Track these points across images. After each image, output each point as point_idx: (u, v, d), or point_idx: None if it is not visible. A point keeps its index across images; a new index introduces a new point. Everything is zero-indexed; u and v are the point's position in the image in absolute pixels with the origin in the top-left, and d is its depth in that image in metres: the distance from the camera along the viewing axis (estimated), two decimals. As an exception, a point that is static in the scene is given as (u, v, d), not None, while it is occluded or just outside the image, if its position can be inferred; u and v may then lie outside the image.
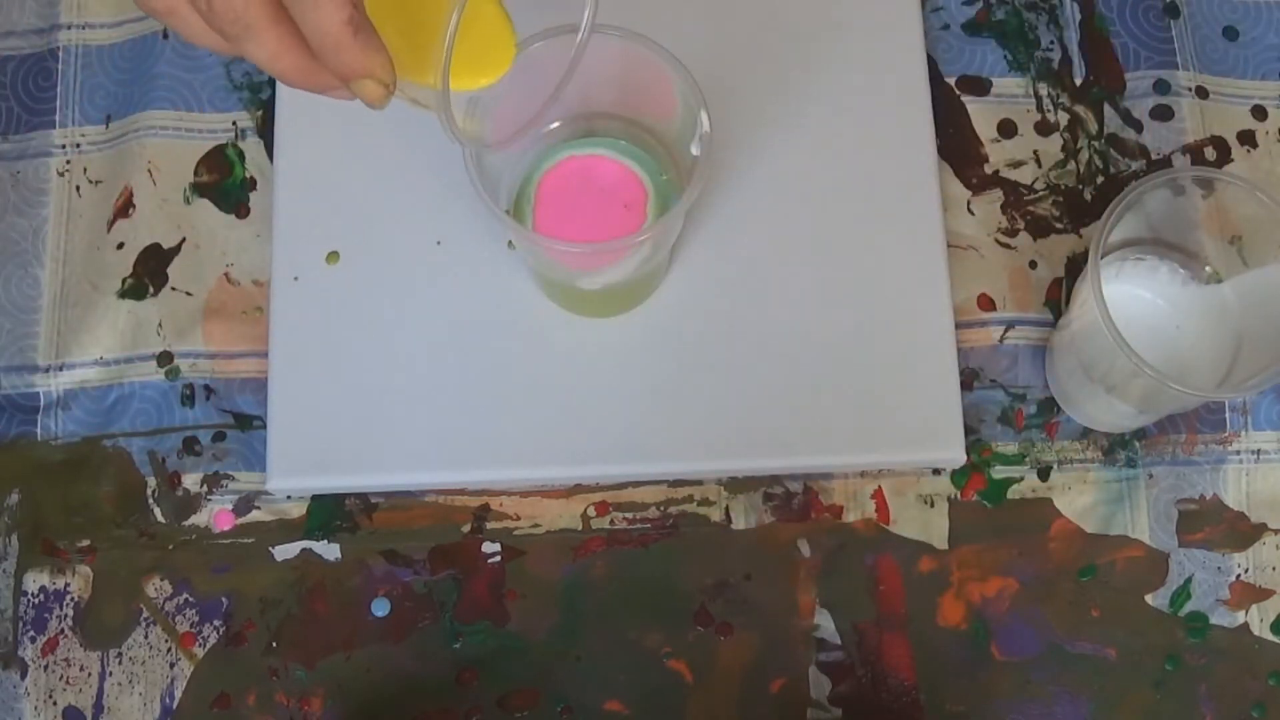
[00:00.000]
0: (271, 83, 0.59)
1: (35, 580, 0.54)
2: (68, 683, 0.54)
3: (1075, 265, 0.58)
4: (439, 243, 0.56)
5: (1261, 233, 0.49)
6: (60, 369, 0.57)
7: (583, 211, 0.51)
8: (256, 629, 0.54)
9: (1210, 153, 0.59)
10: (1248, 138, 0.59)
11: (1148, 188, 0.49)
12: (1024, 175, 0.59)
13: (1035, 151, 0.59)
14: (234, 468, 0.55)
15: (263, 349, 0.56)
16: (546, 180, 0.51)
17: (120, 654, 0.54)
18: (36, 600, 0.54)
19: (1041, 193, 0.59)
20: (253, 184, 0.59)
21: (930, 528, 0.55)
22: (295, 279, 0.56)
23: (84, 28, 0.61)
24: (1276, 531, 0.55)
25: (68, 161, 0.59)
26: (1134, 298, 0.53)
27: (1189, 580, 0.55)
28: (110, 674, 0.54)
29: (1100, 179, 0.59)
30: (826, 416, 0.54)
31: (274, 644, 0.54)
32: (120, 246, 0.58)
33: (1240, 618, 0.55)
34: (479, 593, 0.54)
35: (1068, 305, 0.54)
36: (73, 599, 0.54)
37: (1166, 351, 0.52)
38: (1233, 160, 0.59)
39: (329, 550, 0.55)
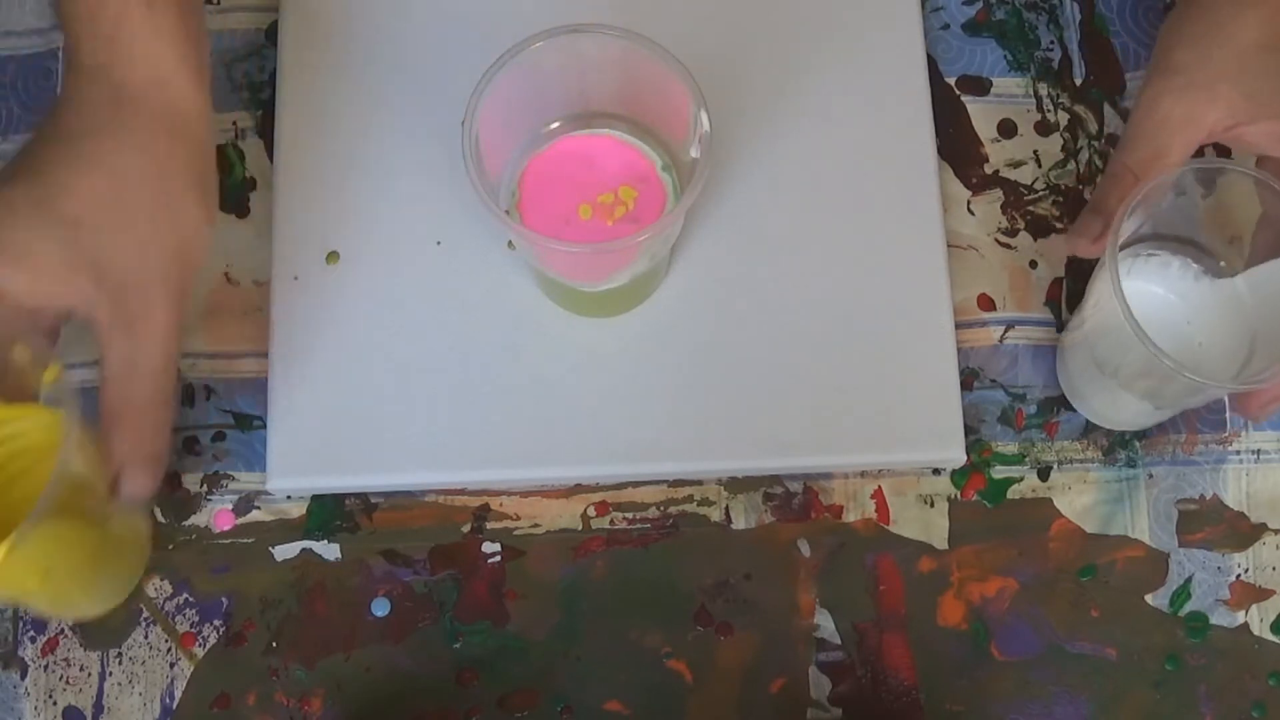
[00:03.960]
0: (271, 83, 0.59)
1: (35, 580, 0.54)
2: (68, 683, 0.54)
3: (1075, 265, 0.58)
4: (439, 243, 0.56)
5: (1273, 226, 0.49)
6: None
7: (573, 198, 0.51)
8: (256, 629, 0.54)
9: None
10: (1248, 138, 0.59)
11: (1159, 183, 0.49)
12: (1024, 175, 0.59)
13: (1035, 151, 0.59)
14: (234, 468, 0.55)
15: (263, 349, 0.56)
16: (533, 166, 0.51)
17: (120, 654, 0.54)
18: (36, 600, 0.54)
19: (1041, 193, 0.59)
20: (253, 184, 0.59)
21: (930, 528, 0.55)
22: (295, 279, 0.56)
23: (84, 28, 0.61)
24: (1276, 531, 0.55)
25: (68, 161, 0.59)
26: (1146, 294, 0.53)
27: (1189, 580, 0.55)
28: (110, 674, 0.54)
29: (1100, 179, 0.59)
30: (826, 416, 0.54)
31: (274, 644, 0.54)
32: (120, 246, 0.58)
33: (1240, 618, 0.55)
34: (479, 593, 0.54)
35: (1079, 304, 0.54)
36: (73, 599, 0.54)
37: (1180, 348, 0.51)
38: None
39: (329, 550, 0.55)
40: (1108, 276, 0.47)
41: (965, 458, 0.54)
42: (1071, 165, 0.59)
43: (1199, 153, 0.58)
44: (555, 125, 0.51)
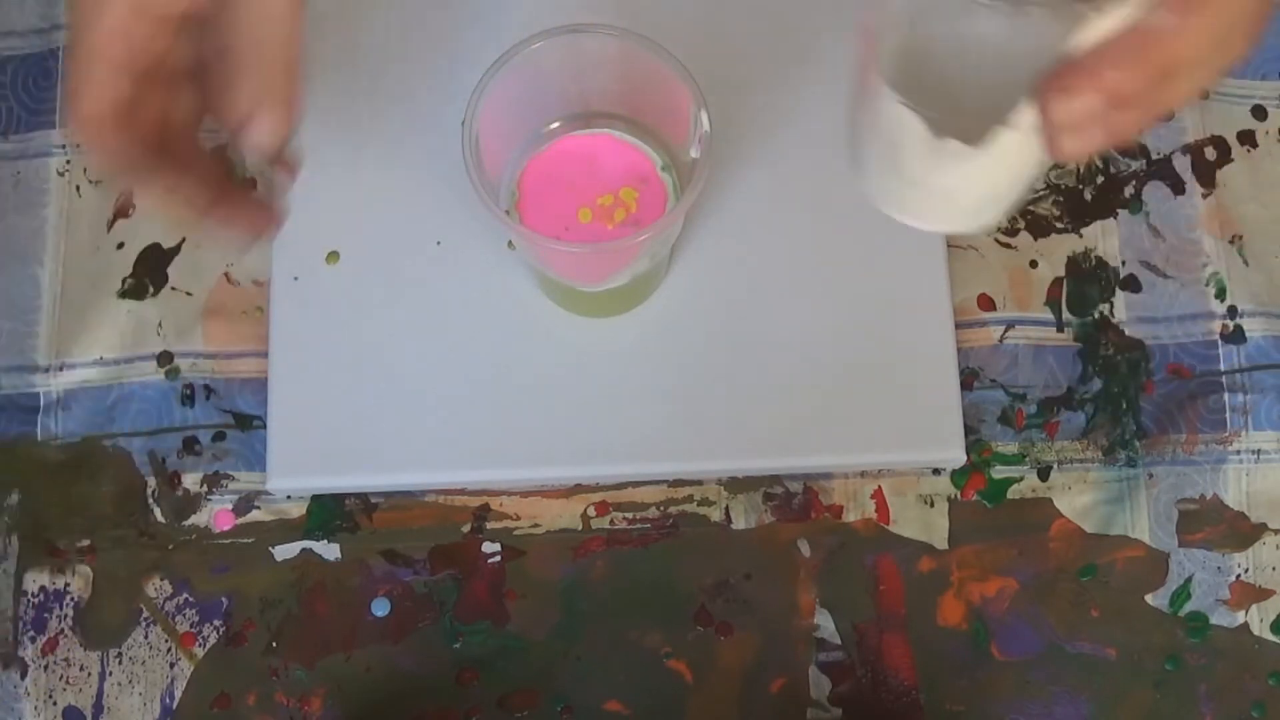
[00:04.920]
0: (271, 83, 0.59)
1: (35, 580, 0.54)
2: (68, 683, 0.54)
3: (1076, 265, 0.58)
4: (439, 243, 0.56)
5: None
6: (60, 369, 0.57)
7: (573, 199, 0.51)
8: (256, 629, 0.54)
9: (1210, 152, 0.59)
10: (1248, 137, 0.59)
11: None
12: (1024, 175, 0.59)
13: (1035, 151, 0.59)
14: (234, 468, 0.55)
15: (263, 349, 0.56)
16: (533, 166, 0.51)
17: (120, 654, 0.54)
18: (36, 600, 0.54)
19: (1041, 192, 0.59)
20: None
21: (930, 528, 0.55)
22: (295, 279, 0.56)
23: (84, 28, 0.61)
24: (1276, 531, 0.55)
25: (68, 161, 0.59)
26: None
27: (1189, 580, 0.55)
28: (110, 674, 0.54)
29: (1100, 179, 0.59)
30: (826, 416, 0.54)
31: (274, 644, 0.54)
32: (120, 246, 0.58)
33: (1240, 618, 0.55)
34: (479, 593, 0.54)
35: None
36: (73, 599, 0.54)
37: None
38: (1233, 160, 0.59)
39: (329, 550, 0.55)
40: None
41: (965, 458, 0.55)
42: (1071, 165, 0.59)
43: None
44: (555, 125, 0.51)
